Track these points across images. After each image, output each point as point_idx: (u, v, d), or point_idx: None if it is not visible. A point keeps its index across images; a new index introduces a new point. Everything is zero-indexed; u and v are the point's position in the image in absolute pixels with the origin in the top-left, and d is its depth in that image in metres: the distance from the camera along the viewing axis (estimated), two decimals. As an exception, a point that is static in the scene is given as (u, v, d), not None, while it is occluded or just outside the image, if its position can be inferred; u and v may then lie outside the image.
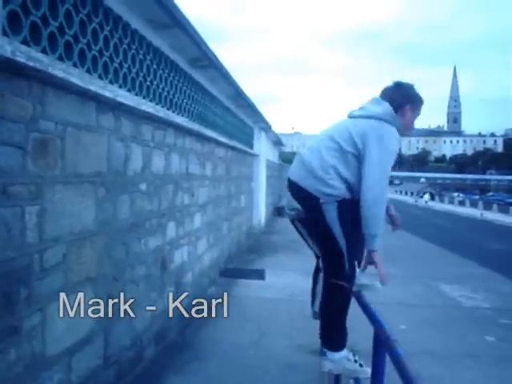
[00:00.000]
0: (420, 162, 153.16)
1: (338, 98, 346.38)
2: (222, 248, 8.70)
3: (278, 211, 22.51)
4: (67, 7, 3.05)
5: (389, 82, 3.21)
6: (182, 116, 5.77)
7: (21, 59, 2.43)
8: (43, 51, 2.80)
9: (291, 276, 8.86)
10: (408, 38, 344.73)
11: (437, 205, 44.99)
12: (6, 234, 2.48)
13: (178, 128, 5.47)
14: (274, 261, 10.80)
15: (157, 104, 4.82)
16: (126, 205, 4.09)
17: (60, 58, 2.99)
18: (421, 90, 3.21)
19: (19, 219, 2.60)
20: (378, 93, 3.22)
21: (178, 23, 4.58)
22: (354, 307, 3.01)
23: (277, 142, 23.21)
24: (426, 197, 52.99)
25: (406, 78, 3.26)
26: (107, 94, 3.46)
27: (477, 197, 66.08)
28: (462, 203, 45.54)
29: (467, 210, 39.14)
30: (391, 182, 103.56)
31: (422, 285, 9.20)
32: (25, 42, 2.63)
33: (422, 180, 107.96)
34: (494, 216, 35.55)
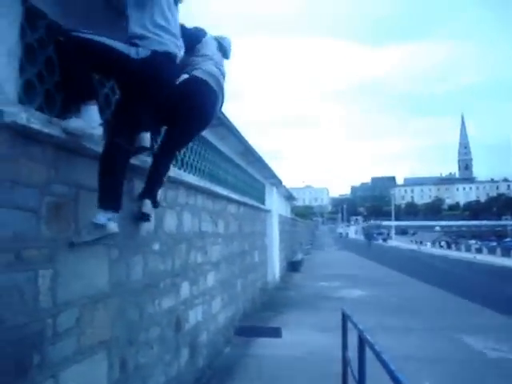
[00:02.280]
0: (434, 210, 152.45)
1: (345, 149, 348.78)
2: (236, 306, 8.59)
3: (292, 266, 22.34)
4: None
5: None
6: (194, 175, 5.83)
7: (35, 126, 2.49)
8: (57, 117, 2.87)
9: (308, 333, 8.70)
10: (408, 88, 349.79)
11: (453, 253, 44.37)
12: (19, 299, 2.47)
13: (190, 187, 5.52)
14: (290, 317, 10.62)
15: (168, 164, 4.87)
16: (140, 265, 4.08)
17: (73, 123, 3.05)
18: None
19: (32, 283, 2.59)
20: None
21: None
22: (373, 365, 2.93)
23: (288, 196, 23.28)
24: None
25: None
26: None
27: (494, 243, 65.13)
28: (479, 250, 44.89)
29: (485, 258, 38.51)
30: (405, 232, 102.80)
31: (444, 337, 8.95)
32: (40, 109, 2.71)
33: (437, 228, 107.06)
34: (512, 263, 34.90)
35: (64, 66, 2.79)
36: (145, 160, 3.97)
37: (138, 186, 3.91)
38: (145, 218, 3.90)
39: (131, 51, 2.91)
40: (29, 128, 2.45)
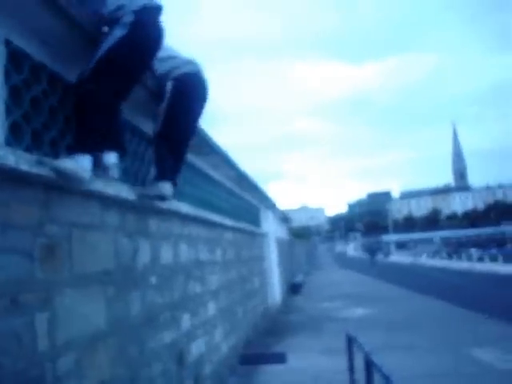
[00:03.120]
0: (431, 221, 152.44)
1: (339, 167, 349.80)
2: (239, 334, 8.49)
3: (293, 288, 22.21)
4: (67, 113, 3.13)
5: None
6: (187, 204, 5.79)
7: (24, 167, 2.46)
8: (45, 156, 2.85)
9: (313, 357, 8.60)
10: (395, 102, 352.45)
11: (454, 264, 44.14)
12: (17, 344, 2.41)
13: (184, 217, 5.48)
14: (294, 342, 10.52)
15: (161, 195, 4.85)
16: (138, 301, 4.02)
17: (63, 162, 3.03)
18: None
19: (30, 328, 2.54)
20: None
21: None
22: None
23: (284, 218, 23.26)
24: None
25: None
26: (110, 191, 3.48)
27: (495, 251, 64.85)
28: (480, 259, 44.66)
29: (488, 266, 38.28)
30: (404, 246, 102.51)
31: (451, 351, 8.84)
32: (27, 149, 2.68)
33: (437, 240, 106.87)
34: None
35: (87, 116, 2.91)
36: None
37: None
38: (162, 198, 4.03)
39: (117, 33, 2.97)
40: (18, 170, 2.42)
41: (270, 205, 14.87)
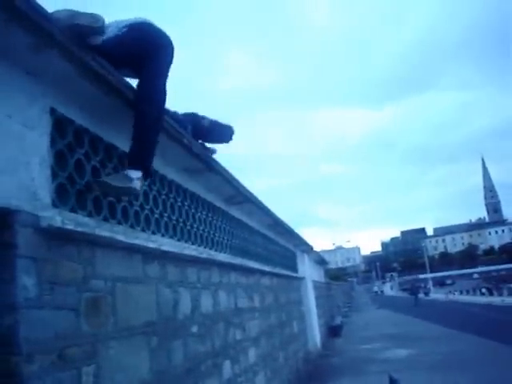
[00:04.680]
0: (468, 257, 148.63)
1: (371, 206, 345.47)
2: (280, 379, 8.38)
3: (332, 331, 21.84)
4: (108, 172, 3.27)
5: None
6: (225, 253, 5.88)
7: (70, 226, 2.59)
8: (89, 215, 2.98)
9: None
10: (421, 140, 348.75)
11: (496, 299, 42.73)
12: (64, 399, 2.49)
13: (222, 265, 5.56)
14: (336, 386, 10.32)
15: (199, 246, 4.95)
16: (180, 350, 4.07)
17: (105, 219, 3.16)
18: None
19: (76, 381, 2.61)
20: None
21: (209, 167, 4.82)
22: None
23: (320, 261, 23.09)
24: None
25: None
26: (151, 245, 3.59)
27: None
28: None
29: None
30: (442, 283, 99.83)
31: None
32: (72, 209, 2.82)
33: (475, 276, 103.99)
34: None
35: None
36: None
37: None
38: (132, 192, 3.19)
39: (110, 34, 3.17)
40: (64, 229, 2.55)
41: (305, 248, 14.84)
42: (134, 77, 3.49)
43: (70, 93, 2.85)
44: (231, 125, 5.23)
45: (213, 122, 5.05)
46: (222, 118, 5.14)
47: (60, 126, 2.80)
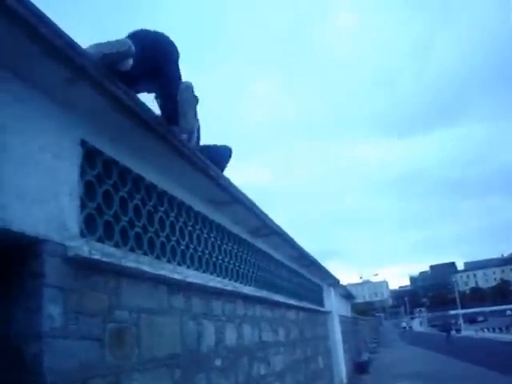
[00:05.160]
0: (501, 293, 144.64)
1: (398, 240, 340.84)
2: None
3: (359, 367, 21.37)
4: (136, 202, 3.31)
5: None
6: (250, 286, 5.84)
7: (96, 256, 2.62)
8: (116, 245, 3.01)
9: None
10: (449, 173, 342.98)
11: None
12: (87, 432, 2.47)
13: (247, 298, 5.52)
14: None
15: (224, 278, 4.93)
16: (203, 383, 4.02)
17: (131, 249, 3.19)
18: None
19: (100, 414, 2.60)
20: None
21: (236, 199, 4.83)
22: None
23: (347, 295, 22.77)
24: None
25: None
26: (176, 276, 3.60)
27: None
28: None
29: None
30: (474, 321, 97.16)
31: None
32: (100, 239, 2.85)
33: (509, 312, 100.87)
34: None
35: None
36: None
37: (196, 302, 3.94)
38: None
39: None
40: (90, 259, 2.57)
41: (331, 282, 14.67)
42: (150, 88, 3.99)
43: (101, 125, 2.91)
44: (228, 145, 5.13)
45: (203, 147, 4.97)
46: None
47: (90, 157, 2.85)
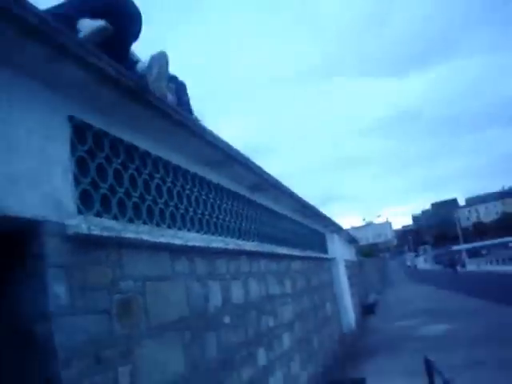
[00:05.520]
0: (503, 226, 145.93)
1: (399, 180, 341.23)
2: (316, 363, 8.43)
3: (366, 309, 21.83)
4: (131, 172, 3.31)
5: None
6: (253, 241, 5.89)
7: (96, 232, 2.64)
8: (115, 218, 3.02)
9: (394, 380, 8.42)
10: (447, 109, 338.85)
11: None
12: (103, 400, 2.55)
13: (251, 254, 5.58)
14: (373, 365, 10.34)
15: (226, 237, 4.97)
16: (213, 342, 4.12)
17: (130, 220, 3.20)
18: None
19: (113, 382, 2.67)
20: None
21: (230, 157, 4.80)
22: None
23: (351, 239, 23.00)
24: None
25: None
26: (177, 241, 3.63)
27: None
28: None
29: None
30: (476, 254, 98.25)
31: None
32: (97, 214, 2.86)
33: (511, 244, 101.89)
34: None
35: None
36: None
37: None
38: None
39: None
40: (90, 235, 2.59)
41: (334, 229, 14.79)
42: None
43: (87, 99, 2.87)
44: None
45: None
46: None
47: (79, 132, 2.82)
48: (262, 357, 5.33)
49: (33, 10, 2.11)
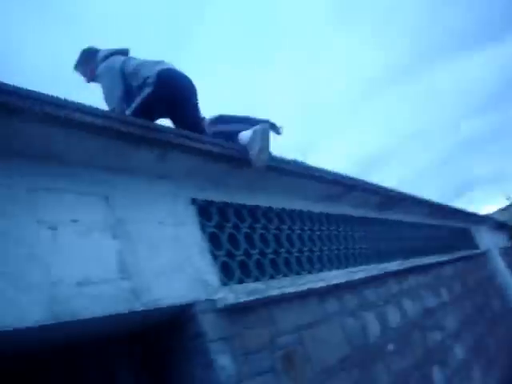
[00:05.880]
0: None
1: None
2: (500, 367, 7.94)
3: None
4: (260, 232, 3.46)
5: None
6: (394, 260, 5.78)
7: (243, 299, 2.78)
8: (256, 280, 3.16)
9: None
10: None
11: None
12: None
13: (396, 273, 5.45)
14: None
15: (367, 264, 4.93)
16: (383, 372, 4.08)
17: (271, 277, 3.33)
18: None
19: None
20: None
21: (351, 189, 4.82)
22: None
23: (499, 225, 21.56)
24: None
25: None
26: (321, 284, 3.64)
27: None
28: None
29: None
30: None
31: None
32: (240, 281, 3.02)
33: None
34: None
35: None
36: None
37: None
38: None
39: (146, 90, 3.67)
40: (239, 304, 2.74)
41: (477, 219, 13.99)
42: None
43: (201, 178, 3.08)
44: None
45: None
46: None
47: (203, 210, 3.03)
48: (437, 374, 5.16)
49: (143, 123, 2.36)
